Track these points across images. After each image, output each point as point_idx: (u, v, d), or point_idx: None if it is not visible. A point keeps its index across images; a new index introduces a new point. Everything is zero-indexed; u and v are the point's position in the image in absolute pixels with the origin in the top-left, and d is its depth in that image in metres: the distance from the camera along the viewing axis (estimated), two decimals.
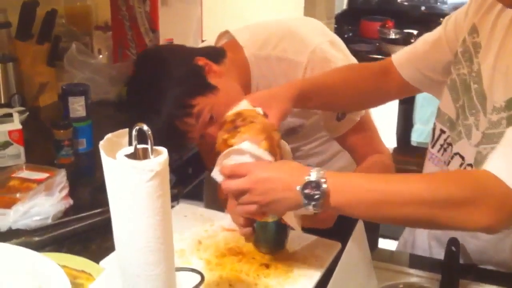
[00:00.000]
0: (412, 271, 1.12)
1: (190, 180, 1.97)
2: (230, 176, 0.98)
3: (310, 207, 0.90)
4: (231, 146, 1.02)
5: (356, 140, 1.36)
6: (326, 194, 0.89)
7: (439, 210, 0.87)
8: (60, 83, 1.99)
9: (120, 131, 0.87)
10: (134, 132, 0.81)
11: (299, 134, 1.39)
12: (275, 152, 1.02)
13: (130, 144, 0.82)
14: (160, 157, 0.80)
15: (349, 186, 0.92)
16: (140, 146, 0.81)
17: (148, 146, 0.80)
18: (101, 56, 2.26)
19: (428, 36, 1.19)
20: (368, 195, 0.90)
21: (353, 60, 1.41)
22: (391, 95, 1.29)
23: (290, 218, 1.05)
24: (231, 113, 1.08)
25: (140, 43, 2.12)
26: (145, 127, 0.80)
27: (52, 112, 1.98)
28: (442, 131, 1.15)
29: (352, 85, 1.26)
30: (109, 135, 0.86)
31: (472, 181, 0.88)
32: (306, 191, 0.90)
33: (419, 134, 2.91)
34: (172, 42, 2.08)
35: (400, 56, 1.23)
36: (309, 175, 0.90)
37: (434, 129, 1.18)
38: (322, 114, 1.35)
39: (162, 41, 2.06)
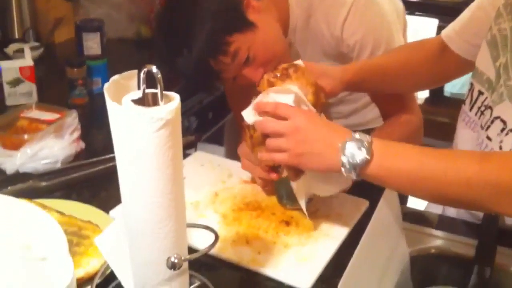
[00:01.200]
0: (444, 234, 1.03)
1: (210, 126, 1.89)
2: (269, 114, 0.91)
3: (347, 169, 0.83)
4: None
5: (383, 105, 1.30)
6: (370, 156, 0.82)
7: (487, 195, 0.80)
8: (77, 18, 1.90)
9: (129, 72, 0.78)
10: (142, 75, 0.71)
11: None
12: (319, 108, 0.98)
13: (139, 88, 0.73)
14: (171, 104, 0.70)
15: (395, 154, 0.85)
16: (149, 91, 0.72)
17: (158, 91, 0.71)
18: None
19: (472, 3, 1.11)
20: (414, 167, 0.83)
21: (399, 4, 1.31)
22: (451, 74, 1.21)
23: (301, 195, 0.98)
24: (284, 64, 1.01)
25: None
26: (155, 69, 0.71)
27: (68, 49, 1.90)
28: (480, 93, 1.04)
29: (410, 68, 1.19)
30: (116, 77, 0.77)
31: None
32: (348, 147, 0.83)
33: (453, 85, 2.75)
34: None
35: (448, 30, 1.16)
36: (354, 134, 0.84)
37: (471, 90, 1.07)
38: None
39: None
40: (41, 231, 0.80)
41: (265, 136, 0.94)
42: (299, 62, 1.03)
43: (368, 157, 0.83)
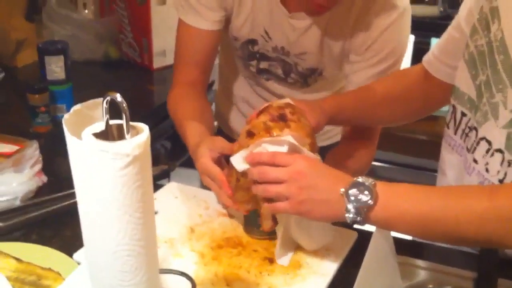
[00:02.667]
0: (440, 267, 0.96)
1: (186, 150, 1.80)
2: (268, 163, 0.86)
3: (352, 215, 0.80)
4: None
5: None
6: (375, 200, 0.79)
7: (502, 230, 0.76)
8: (40, 40, 1.80)
9: (93, 101, 0.70)
10: (104, 104, 0.63)
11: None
12: None
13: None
14: (140, 137, 0.62)
15: (401, 195, 0.81)
16: (113, 122, 0.64)
17: (124, 122, 0.62)
18: (86, 10, 2.05)
19: (449, 26, 1.07)
20: (423, 209, 0.79)
21: None
22: (437, 102, 1.14)
23: (287, 248, 0.95)
24: (277, 102, 0.97)
25: None
26: (119, 98, 0.62)
27: (31, 73, 1.79)
28: (463, 114, 0.99)
29: (392, 98, 1.16)
30: (77, 106, 0.69)
31: None
32: (352, 192, 0.80)
33: None
34: None
35: (428, 56, 1.12)
36: (357, 179, 0.81)
37: (454, 112, 1.01)
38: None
39: None
40: None
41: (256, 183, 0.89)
42: (287, 100, 0.99)
43: (372, 201, 0.79)
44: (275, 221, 0.94)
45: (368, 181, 0.80)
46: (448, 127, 1.04)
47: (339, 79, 1.35)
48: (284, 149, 0.88)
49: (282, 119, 0.92)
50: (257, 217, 0.96)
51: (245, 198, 0.95)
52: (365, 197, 0.79)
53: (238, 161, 0.91)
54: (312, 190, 0.83)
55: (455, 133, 1.02)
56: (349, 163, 1.23)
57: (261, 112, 0.95)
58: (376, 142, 1.33)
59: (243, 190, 0.94)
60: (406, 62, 1.34)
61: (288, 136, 0.89)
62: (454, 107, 1.02)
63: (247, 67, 1.31)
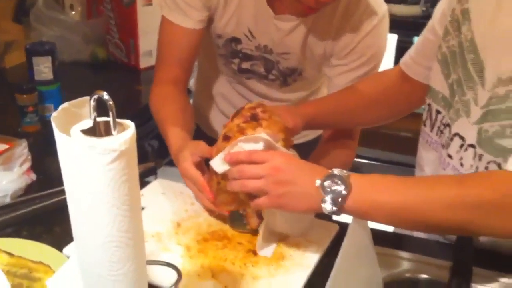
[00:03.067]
0: (417, 257, 1.00)
1: None
2: (244, 162, 0.90)
3: (328, 205, 0.83)
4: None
5: None
6: (348, 189, 0.82)
7: (471, 216, 0.79)
8: (28, 41, 1.81)
9: (80, 99, 0.72)
10: (92, 102, 0.66)
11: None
12: None
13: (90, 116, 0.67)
14: (126, 133, 0.65)
15: (374, 186, 0.84)
16: (100, 119, 0.66)
17: (110, 119, 0.65)
18: (73, 12, 2.07)
19: (424, 28, 1.11)
20: (395, 198, 0.82)
21: None
22: (414, 102, 1.18)
23: (271, 239, 0.98)
24: (249, 104, 1.01)
25: None
26: (106, 96, 0.65)
27: (19, 74, 1.81)
28: (438, 112, 1.03)
29: (370, 100, 1.20)
30: (65, 104, 0.71)
31: (507, 185, 0.79)
32: (327, 184, 0.83)
33: None
34: None
35: (405, 57, 1.16)
36: (332, 171, 0.84)
37: (429, 110, 1.05)
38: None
39: None
40: None
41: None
42: (258, 101, 1.04)
43: (346, 191, 0.82)
44: (260, 217, 0.98)
45: (342, 172, 0.83)
46: (424, 125, 1.08)
47: (317, 80, 1.38)
48: (260, 146, 0.91)
49: (254, 118, 0.95)
50: (240, 215, 1.00)
51: (227, 200, 0.99)
52: (339, 188, 0.82)
53: (218, 164, 0.95)
54: (289, 184, 0.86)
55: (431, 130, 1.06)
56: (330, 163, 1.27)
57: (235, 116, 0.98)
58: (357, 141, 1.37)
59: (224, 193, 0.97)
60: (389, 60, 1.37)
61: (262, 134, 0.92)
62: (429, 105, 1.06)
63: (228, 65, 1.33)
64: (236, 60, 1.31)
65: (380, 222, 0.86)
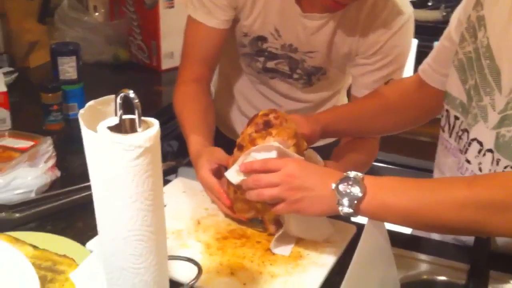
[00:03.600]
0: (434, 259, 1.00)
1: None
2: (259, 171, 0.91)
3: (344, 207, 0.85)
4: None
5: None
6: (363, 192, 0.84)
7: (482, 216, 0.79)
8: (52, 42, 1.85)
9: (105, 97, 0.74)
10: (118, 100, 0.68)
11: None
12: None
13: (116, 114, 0.69)
14: (150, 130, 0.67)
15: (388, 188, 0.86)
16: (126, 117, 0.68)
17: (136, 117, 0.67)
18: (97, 13, 2.11)
19: (441, 36, 1.12)
20: (407, 200, 0.84)
21: None
22: (433, 109, 1.18)
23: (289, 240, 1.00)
24: (263, 111, 1.02)
25: (139, 0, 1.97)
26: (132, 94, 0.67)
27: (43, 74, 1.85)
28: (456, 118, 1.04)
29: (388, 108, 1.21)
30: (91, 102, 0.74)
31: None
32: (342, 187, 0.85)
33: None
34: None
35: (423, 65, 1.17)
36: (346, 174, 0.86)
37: (448, 116, 1.06)
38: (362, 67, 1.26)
39: None
40: (12, 270, 0.75)
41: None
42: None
43: (361, 193, 0.84)
44: (278, 224, 1.00)
45: (357, 175, 0.85)
46: (443, 131, 1.09)
47: (339, 80, 1.39)
48: (273, 154, 0.93)
49: (267, 125, 0.97)
50: (258, 220, 1.02)
51: (244, 208, 1.01)
52: (354, 190, 0.84)
53: (233, 175, 0.97)
54: (304, 189, 0.88)
55: (450, 136, 1.06)
56: (357, 155, 1.28)
57: (249, 123, 1.00)
58: (376, 143, 1.37)
59: (241, 201, 0.99)
60: (409, 65, 1.38)
61: (273, 142, 0.94)
62: (447, 111, 1.06)
63: (253, 63, 1.34)
64: (262, 59, 1.32)
65: (394, 223, 0.87)
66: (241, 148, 0.99)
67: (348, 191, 0.84)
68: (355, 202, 0.84)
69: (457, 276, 0.96)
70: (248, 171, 0.94)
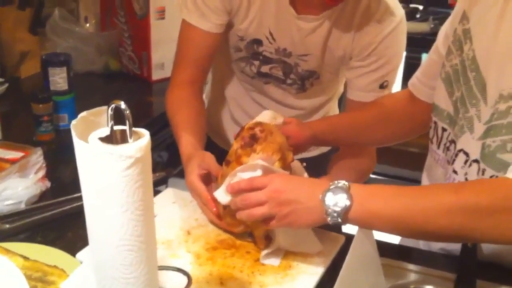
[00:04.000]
0: (421, 269, 1.01)
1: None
2: (246, 190, 0.92)
3: (332, 217, 0.86)
4: (243, 163, 0.97)
5: None
6: (350, 201, 0.85)
7: (469, 222, 0.80)
8: (44, 52, 1.86)
9: (98, 108, 0.75)
10: (109, 111, 0.68)
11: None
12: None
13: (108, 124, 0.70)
14: (141, 141, 0.68)
15: (374, 196, 0.87)
16: (117, 127, 0.69)
17: (127, 128, 0.68)
18: (88, 24, 2.12)
19: (430, 51, 1.15)
20: (395, 207, 0.84)
21: None
22: (424, 122, 1.19)
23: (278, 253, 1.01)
24: (249, 123, 1.04)
25: (130, 11, 1.98)
26: (123, 105, 0.68)
27: (34, 84, 1.85)
28: (444, 129, 1.06)
29: (379, 120, 1.24)
30: (84, 113, 0.74)
31: (504, 189, 0.81)
32: (328, 197, 0.86)
33: None
34: (164, 10, 1.94)
35: (412, 79, 1.20)
36: (333, 183, 0.87)
37: (436, 128, 1.08)
38: (355, 70, 1.28)
39: (153, 9, 1.92)
40: (3, 280, 0.75)
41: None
42: (266, 114, 1.08)
43: (348, 202, 0.85)
44: (268, 239, 1.00)
45: (343, 184, 0.86)
46: (431, 142, 1.10)
47: (332, 86, 1.40)
48: (258, 173, 0.94)
49: (253, 139, 0.98)
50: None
51: (234, 222, 1.01)
52: (341, 199, 0.85)
53: (221, 195, 0.97)
54: (292, 203, 0.89)
55: (438, 148, 1.08)
56: (359, 161, 1.30)
57: (237, 136, 1.02)
58: (374, 154, 1.38)
59: (231, 216, 1.00)
60: (397, 76, 1.40)
61: (258, 160, 0.95)
62: (435, 123, 1.08)
63: (248, 67, 1.35)
64: (257, 63, 1.33)
65: (381, 231, 0.88)
66: (228, 164, 1.00)
67: (335, 200, 0.85)
68: (343, 211, 0.85)
69: (445, 285, 0.97)
70: (235, 192, 0.94)
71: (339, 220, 0.85)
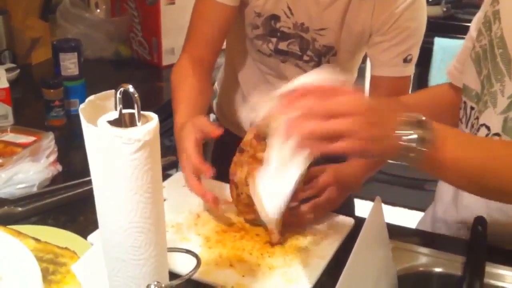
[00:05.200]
0: (431, 251, 1.01)
1: None
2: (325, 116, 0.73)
3: (412, 152, 0.73)
4: (260, 161, 0.91)
5: (386, 95, 1.26)
6: (434, 136, 0.74)
7: None
8: (54, 38, 1.87)
9: (106, 92, 0.76)
10: (118, 95, 0.69)
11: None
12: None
13: (116, 108, 0.71)
14: (149, 124, 0.68)
15: (459, 138, 0.80)
16: (126, 111, 0.70)
17: (135, 111, 0.68)
18: (98, 10, 2.12)
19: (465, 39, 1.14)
20: (483, 154, 0.78)
21: None
22: None
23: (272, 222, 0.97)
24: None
25: None
26: (131, 89, 0.68)
27: (45, 70, 1.86)
28: (472, 108, 1.06)
29: (424, 110, 1.17)
30: (92, 97, 0.75)
31: None
32: (411, 129, 0.74)
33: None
34: None
35: (449, 67, 1.17)
36: (416, 117, 0.74)
37: (465, 108, 1.08)
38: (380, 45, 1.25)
39: None
40: (14, 261, 0.77)
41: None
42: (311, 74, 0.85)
43: (432, 134, 0.74)
44: (282, 234, 0.99)
45: (428, 121, 0.76)
46: (461, 122, 1.10)
47: (348, 68, 1.38)
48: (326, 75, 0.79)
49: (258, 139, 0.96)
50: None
51: (246, 210, 1.01)
52: (423, 134, 0.74)
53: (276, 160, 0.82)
54: (381, 127, 0.74)
55: (466, 127, 1.07)
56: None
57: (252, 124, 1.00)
58: None
59: (244, 205, 1.00)
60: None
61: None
62: (465, 103, 1.07)
63: (265, 44, 1.32)
64: (274, 40, 1.31)
65: (456, 183, 0.82)
66: (242, 151, 0.99)
67: (416, 135, 0.73)
68: (425, 147, 0.73)
69: (454, 268, 0.97)
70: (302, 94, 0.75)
71: (417, 158, 0.74)
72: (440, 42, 2.59)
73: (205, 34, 1.27)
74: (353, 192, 1.10)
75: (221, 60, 1.45)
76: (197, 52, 1.28)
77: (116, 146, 0.66)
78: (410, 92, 1.34)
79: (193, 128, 1.03)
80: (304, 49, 1.30)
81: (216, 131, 1.01)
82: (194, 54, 1.27)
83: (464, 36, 1.14)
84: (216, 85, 1.57)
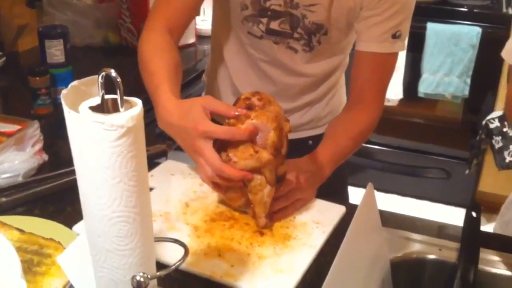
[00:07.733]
0: (425, 238, 1.00)
1: None
2: None
3: None
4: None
5: (371, 71, 1.24)
6: None
7: None
8: (41, 25, 1.83)
9: (90, 77, 0.73)
10: (100, 79, 0.66)
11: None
12: (282, 143, 0.97)
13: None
14: (133, 110, 0.66)
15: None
16: (108, 96, 0.67)
17: (118, 97, 0.66)
18: None
19: None
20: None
21: None
22: None
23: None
24: (245, 94, 1.01)
25: None
26: (113, 73, 0.66)
27: (32, 58, 1.83)
28: None
29: None
30: (75, 83, 0.73)
31: None
32: None
33: (427, 85, 2.71)
34: None
35: (506, 47, 1.14)
36: None
37: None
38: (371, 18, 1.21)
39: None
40: None
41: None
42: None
43: None
44: (269, 218, 0.98)
45: None
46: None
47: (340, 49, 1.35)
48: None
49: (249, 109, 0.95)
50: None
51: (235, 197, 0.99)
52: None
53: None
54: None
55: None
56: (348, 129, 1.24)
57: (236, 103, 0.98)
58: (379, 105, 1.30)
59: (234, 190, 0.98)
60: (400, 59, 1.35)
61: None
62: None
63: (256, 26, 1.29)
64: (265, 20, 1.27)
65: None
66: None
67: None
68: None
69: (448, 255, 0.96)
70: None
71: None
72: (432, 27, 2.56)
73: (174, 5, 1.20)
74: (323, 175, 1.09)
75: (207, 47, 1.41)
76: (167, 21, 1.19)
77: (98, 132, 0.64)
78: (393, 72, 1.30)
79: (204, 113, 0.98)
80: (294, 27, 1.27)
81: (231, 112, 0.97)
82: (164, 24, 1.19)
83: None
84: (204, 77, 1.53)
